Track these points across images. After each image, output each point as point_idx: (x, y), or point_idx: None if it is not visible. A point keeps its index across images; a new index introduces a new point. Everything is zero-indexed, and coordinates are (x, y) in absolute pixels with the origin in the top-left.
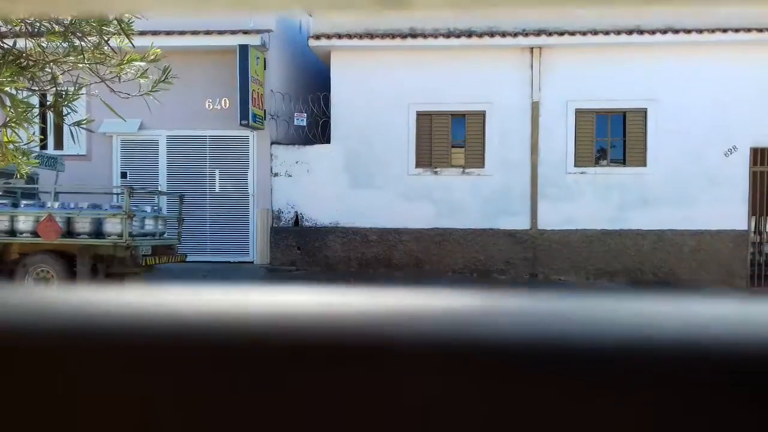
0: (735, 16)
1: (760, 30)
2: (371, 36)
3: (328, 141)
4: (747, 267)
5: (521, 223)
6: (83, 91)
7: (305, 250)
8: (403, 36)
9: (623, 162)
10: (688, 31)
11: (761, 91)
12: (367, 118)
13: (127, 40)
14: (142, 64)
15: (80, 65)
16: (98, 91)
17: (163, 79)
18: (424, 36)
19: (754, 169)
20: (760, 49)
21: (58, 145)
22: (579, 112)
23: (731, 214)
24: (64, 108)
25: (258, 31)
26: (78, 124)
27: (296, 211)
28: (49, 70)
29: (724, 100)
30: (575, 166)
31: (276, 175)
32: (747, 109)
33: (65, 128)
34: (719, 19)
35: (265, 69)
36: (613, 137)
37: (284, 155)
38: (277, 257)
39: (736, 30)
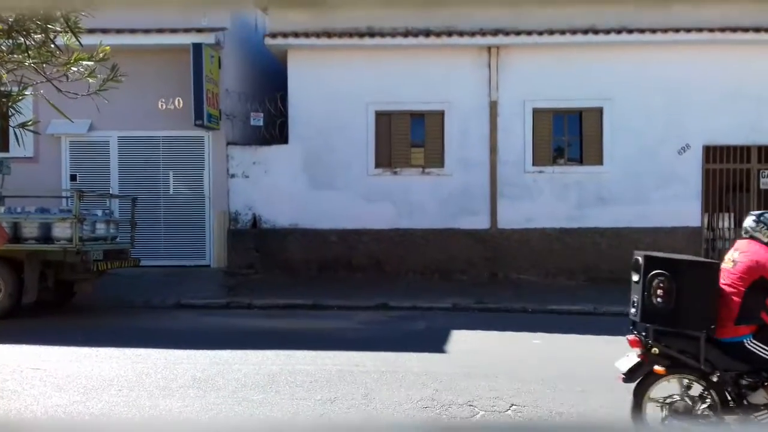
0: (688, 16)
1: (712, 30)
2: (328, 34)
3: (285, 141)
4: None
5: (481, 222)
6: (29, 90)
7: (264, 252)
8: (361, 35)
9: (580, 161)
10: (642, 31)
11: (714, 90)
12: (326, 118)
13: (74, 38)
14: (90, 63)
15: (25, 64)
16: (45, 91)
17: (111, 77)
18: (382, 35)
19: (707, 167)
20: (713, 48)
21: (4, 147)
22: (536, 112)
23: (685, 211)
24: (9, 109)
25: (212, 30)
26: (23, 125)
27: (254, 213)
28: None
29: (677, 98)
30: (533, 165)
31: (232, 176)
32: (700, 107)
33: (10, 130)
34: (673, 19)
35: (219, 68)
36: (570, 136)
37: (241, 156)
38: (234, 260)
39: (689, 30)
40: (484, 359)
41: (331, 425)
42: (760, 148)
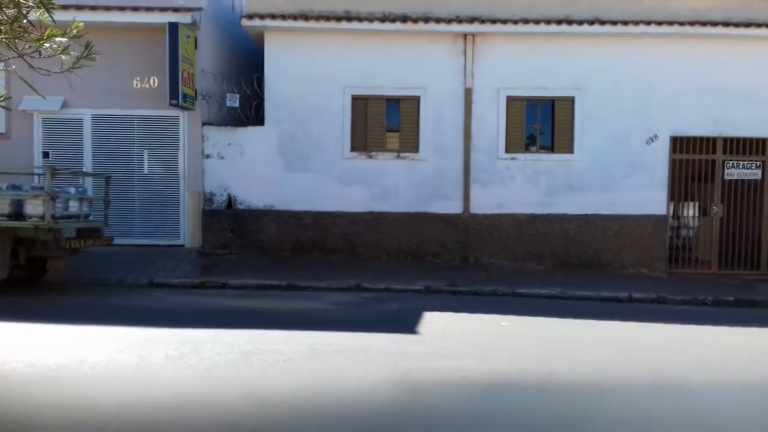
0: (660, 9)
1: (682, 23)
2: (306, 17)
3: (261, 123)
4: (665, 250)
5: (454, 207)
6: (1, 66)
7: (238, 233)
8: (338, 18)
9: (551, 148)
10: (615, 23)
11: (682, 83)
12: (302, 100)
13: (47, 14)
14: (64, 39)
15: None
16: (17, 67)
17: (85, 54)
18: (359, 19)
19: (673, 157)
20: (682, 41)
21: None
22: (510, 100)
23: (652, 199)
24: None
25: (188, 9)
26: None
27: (229, 194)
28: None
29: (646, 90)
30: (506, 152)
31: (208, 156)
32: (668, 99)
33: None
34: (645, 12)
35: (196, 48)
36: (542, 124)
37: (216, 137)
38: (209, 240)
39: (660, 23)
40: (455, 340)
41: (306, 401)
42: (725, 139)
